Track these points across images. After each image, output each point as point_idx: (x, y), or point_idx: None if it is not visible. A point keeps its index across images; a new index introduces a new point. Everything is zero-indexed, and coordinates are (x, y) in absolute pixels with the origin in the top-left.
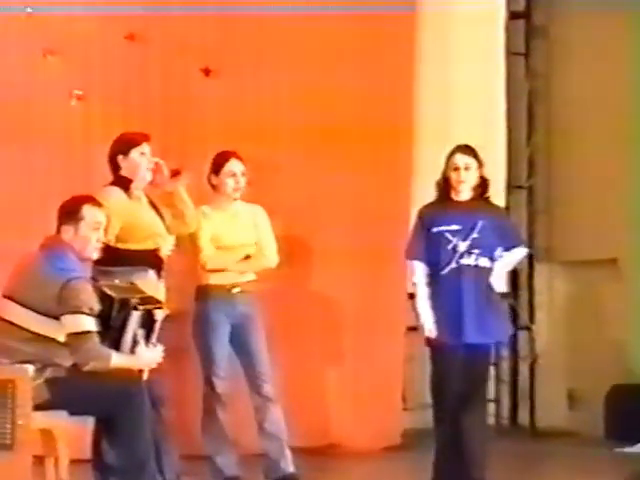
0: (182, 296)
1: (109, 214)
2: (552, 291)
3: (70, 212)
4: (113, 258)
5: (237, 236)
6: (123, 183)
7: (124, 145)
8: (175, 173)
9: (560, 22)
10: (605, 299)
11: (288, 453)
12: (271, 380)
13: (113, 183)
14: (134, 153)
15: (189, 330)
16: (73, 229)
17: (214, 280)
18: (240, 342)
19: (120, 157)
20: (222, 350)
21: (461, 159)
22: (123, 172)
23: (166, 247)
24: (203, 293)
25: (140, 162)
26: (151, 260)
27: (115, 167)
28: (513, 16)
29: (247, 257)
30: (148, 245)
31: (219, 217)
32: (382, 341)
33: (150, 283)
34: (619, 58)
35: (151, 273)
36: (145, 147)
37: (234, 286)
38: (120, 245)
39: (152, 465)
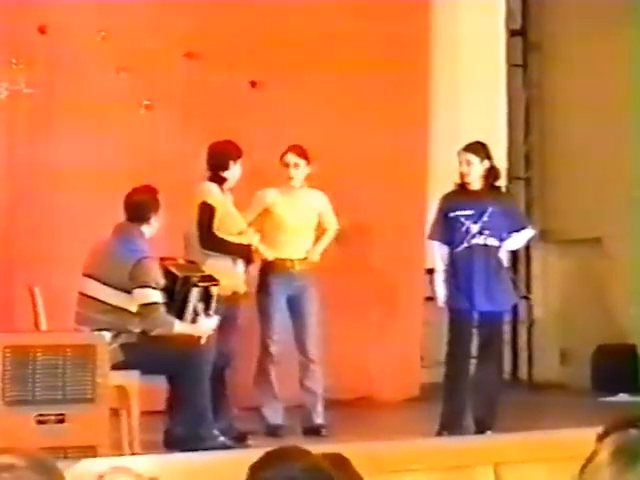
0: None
1: (213, 204)
2: (546, 266)
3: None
4: (214, 242)
5: (299, 220)
6: (220, 181)
7: (235, 153)
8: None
9: (552, 38)
10: (592, 272)
11: (320, 407)
12: (315, 344)
13: (212, 179)
14: (239, 162)
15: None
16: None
17: (275, 254)
18: (295, 310)
19: (232, 162)
20: (279, 318)
21: (463, 156)
22: (227, 174)
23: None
24: (265, 267)
25: (239, 171)
26: (245, 254)
27: (222, 168)
28: (512, 33)
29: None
30: (243, 240)
31: (283, 199)
32: (403, 309)
33: (229, 270)
34: (603, 69)
35: (239, 264)
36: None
37: (292, 261)
38: (220, 234)
39: (210, 416)
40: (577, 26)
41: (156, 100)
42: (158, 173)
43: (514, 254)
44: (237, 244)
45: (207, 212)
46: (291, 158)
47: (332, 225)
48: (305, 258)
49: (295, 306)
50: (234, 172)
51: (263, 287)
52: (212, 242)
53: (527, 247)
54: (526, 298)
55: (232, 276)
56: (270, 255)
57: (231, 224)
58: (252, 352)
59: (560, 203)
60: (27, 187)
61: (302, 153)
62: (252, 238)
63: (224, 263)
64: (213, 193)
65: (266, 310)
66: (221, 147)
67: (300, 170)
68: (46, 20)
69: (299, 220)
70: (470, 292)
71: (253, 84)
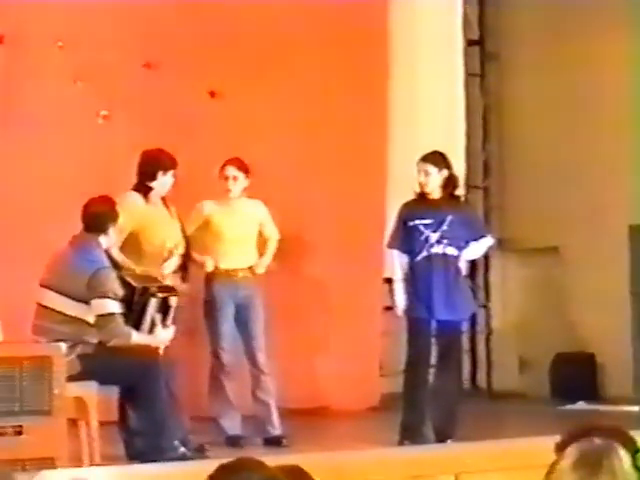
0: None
1: (125, 216)
2: (505, 275)
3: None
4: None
5: (238, 230)
6: (146, 190)
7: (166, 164)
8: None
9: (509, 48)
10: (550, 281)
11: (275, 418)
12: (264, 354)
13: (136, 188)
14: (170, 173)
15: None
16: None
17: (221, 265)
18: (241, 320)
19: (160, 173)
20: (227, 327)
21: (422, 166)
22: (154, 184)
23: (168, 266)
24: (209, 278)
25: (171, 182)
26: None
27: (150, 177)
28: (469, 43)
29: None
30: (168, 242)
31: (220, 211)
32: (362, 318)
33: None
34: (560, 78)
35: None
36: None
37: (235, 271)
38: (140, 243)
39: (169, 427)
40: (533, 35)
41: (114, 110)
42: (116, 183)
43: (473, 263)
44: (142, 278)
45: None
46: (230, 171)
47: (273, 235)
48: (250, 268)
49: (242, 316)
50: (163, 182)
51: (209, 298)
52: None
53: (486, 256)
54: (485, 307)
55: None
56: (210, 265)
57: (152, 235)
58: (204, 361)
59: (518, 212)
60: None
61: (241, 166)
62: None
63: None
64: (128, 202)
65: (213, 320)
66: (152, 156)
67: (239, 183)
68: (3, 29)
69: (238, 230)
70: (429, 301)
71: (212, 94)
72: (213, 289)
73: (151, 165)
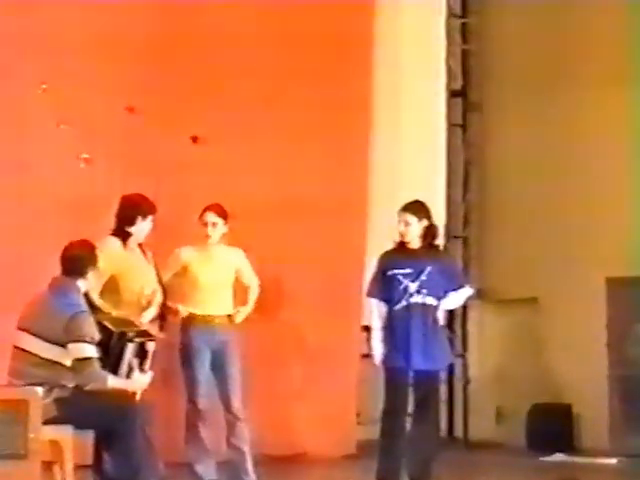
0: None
1: (104, 260)
2: (483, 325)
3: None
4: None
5: (214, 276)
6: (124, 235)
7: (145, 209)
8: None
9: (492, 99)
10: (527, 331)
11: (249, 465)
12: (239, 400)
13: (115, 233)
14: (149, 219)
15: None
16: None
17: (196, 311)
18: (217, 365)
19: (139, 218)
20: (203, 373)
21: (402, 216)
22: (132, 229)
23: (147, 315)
24: (186, 323)
25: (148, 228)
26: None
27: (129, 223)
28: (453, 94)
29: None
30: (144, 288)
31: (198, 257)
32: (339, 365)
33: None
34: (541, 130)
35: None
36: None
37: (210, 317)
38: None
39: (145, 471)
40: (516, 88)
41: (96, 153)
42: (96, 227)
43: (451, 312)
44: (118, 322)
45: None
46: (210, 217)
47: (253, 282)
48: (227, 316)
49: (218, 361)
50: (141, 228)
51: (185, 344)
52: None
53: (464, 305)
54: (462, 356)
55: None
56: (183, 312)
57: (130, 280)
58: (177, 405)
59: (497, 262)
60: None
61: (221, 212)
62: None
63: None
64: (107, 247)
65: (190, 366)
66: (131, 201)
67: (218, 229)
68: None
69: (215, 277)
70: (407, 351)
71: (194, 139)
72: (189, 335)
73: (130, 210)
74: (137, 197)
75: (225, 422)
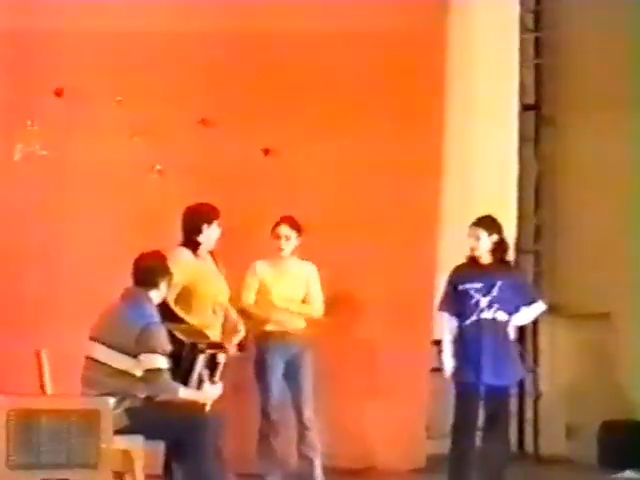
0: None
1: (178, 271)
2: (554, 340)
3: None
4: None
5: (285, 290)
6: (194, 245)
7: (209, 215)
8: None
9: (565, 113)
10: (600, 347)
11: (319, 474)
12: (311, 410)
13: (184, 244)
14: (215, 224)
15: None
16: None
17: (270, 327)
18: (290, 376)
19: (205, 226)
20: (277, 386)
21: (473, 231)
22: (201, 238)
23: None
24: (261, 337)
25: (217, 233)
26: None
27: (196, 232)
28: (525, 107)
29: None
30: (218, 297)
31: (271, 271)
32: (409, 379)
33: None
34: (615, 144)
35: (218, 319)
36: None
37: (287, 332)
38: (191, 297)
39: None
40: (589, 102)
41: (168, 166)
42: (169, 239)
43: (522, 327)
44: (197, 334)
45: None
46: (283, 230)
47: (315, 298)
48: (301, 329)
49: (291, 372)
50: (209, 235)
51: (259, 357)
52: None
53: (535, 321)
54: (533, 372)
55: None
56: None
57: (205, 288)
58: (249, 417)
59: (569, 277)
60: (38, 249)
61: (294, 225)
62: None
63: None
64: (180, 258)
65: (263, 380)
66: (193, 210)
67: (291, 242)
68: (63, 83)
69: (288, 292)
70: (478, 366)
71: (266, 152)
72: (263, 349)
73: (195, 219)
74: (199, 206)
75: (296, 431)
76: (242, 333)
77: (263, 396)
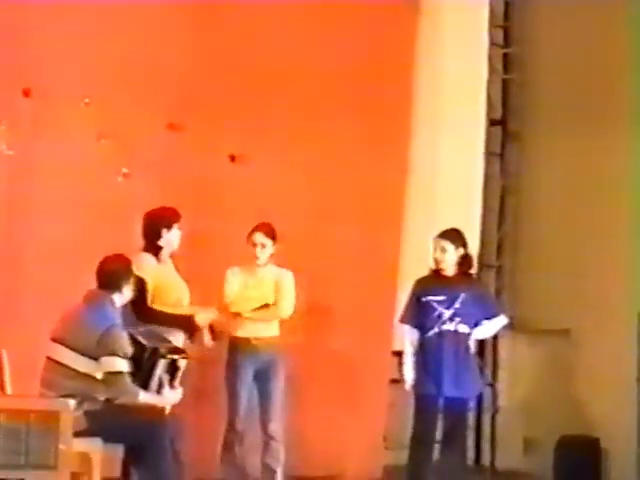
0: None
1: (144, 277)
2: (514, 354)
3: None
4: (150, 317)
5: (260, 295)
6: (156, 250)
7: (168, 219)
8: (214, 335)
9: (531, 129)
10: (558, 363)
11: None
12: (278, 422)
13: (146, 249)
14: (175, 228)
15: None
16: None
17: (241, 333)
18: (259, 387)
19: (164, 230)
20: (244, 394)
21: (438, 243)
22: (161, 242)
23: (205, 316)
24: (232, 344)
25: (177, 236)
26: (184, 325)
27: (156, 237)
28: (492, 123)
29: (264, 306)
30: (183, 310)
31: (245, 278)
32: (368, 389)
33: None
34: (579, 161)
35: (179, 336)
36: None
37: (257, 339)
38: (156, 306)
39: None
40: (555, 119)
41: (135, 169)
42: (134, 242)
43: (481, 341)
44: (174, 315)
45: (138, 285)
46: (258, 238)
47: (281, 306)
48: (271, 337)
49: (261, 381)
50: (169, 239)
51: (230, 365)
52: (147, 316)
53: (495, 335)
54: (491, 385)
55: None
56: (235, 331)
57: (167, 294)
58: (210, 422)
59: (531, 293)
60: (1, 248)
61: (269, 232)
62: (208, 313)
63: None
64: (143, 264)
65: (233, 388)
66: (152, 215)
67: (267, 249)
68: (31, 83)
69: (260, 299)
70: (439, 377)
71: (232, 158)
72: (235, 357)
73: (154, 224)
74: (158, 210)
75: (261, 441)
76: (214, 314)
77: (231, 405)
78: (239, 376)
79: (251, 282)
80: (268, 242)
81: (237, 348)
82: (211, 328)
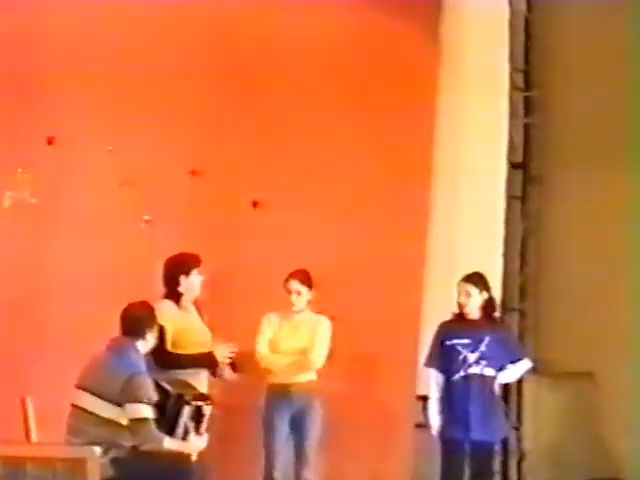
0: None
1: (164, 324)
2: (538, 398)
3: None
4: (169, 361)
5: (294, 343)
6: (176, 296)
7: (186, 266)
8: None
9: (553, 172)
10: (584, 406)
11: None
12: (311, 470)
13: (167, 296)
14: (194, 274)
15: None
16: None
17: (276, 380)
18: (293, 432)
19: (182, 277)
20: (280, 443)
21: (463, 287)
22: (180, 288)
23: (222, 351)
24: (268, 391)
25: (198, 281)
26: (204, 362)
27: (174, 283)
28: (513, 166)
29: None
30: (201, 349)
31: (281, 324)
32: (394, 436)
33: (198, 378)
34: (602, 205)
35: (203, 375)
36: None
37: (292, 385)
38: (175, 350)
39: None
40: (576, 162)
41: (157, 215)
42: (156, 289)
43: (505, 384)
44: (193, 355)
45: (157, 333)
46: (294, 285)
47: (313, 349)
48: (306, 383)
49: (296, 427)
50: (188, 285)
51: (267, 412)
52: (166, 360)
53: (519, 378)
54: (516, 429)
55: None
56: (271, 378)
57: (187, 340)
58: (238, 470)
59: (554, 336)
60: (25, 296)
61: (304, 280)
62: (227, 347)
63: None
64: (163, 311)
65: (269, 435)
66: (171, 261)
67: (303, 297)
68: (54, 131)
69: (295, 345)
70: (466, 421)
71: (255, 204)
72: (270, 405)
73: (172, 270)
74: (177, 256)
75: None
76: (233, 348)
77: (267, 453)
78: (275, 423)
79: (286, 328)
80: (303, 289)
81: (273, 394)
82: (231, 362)
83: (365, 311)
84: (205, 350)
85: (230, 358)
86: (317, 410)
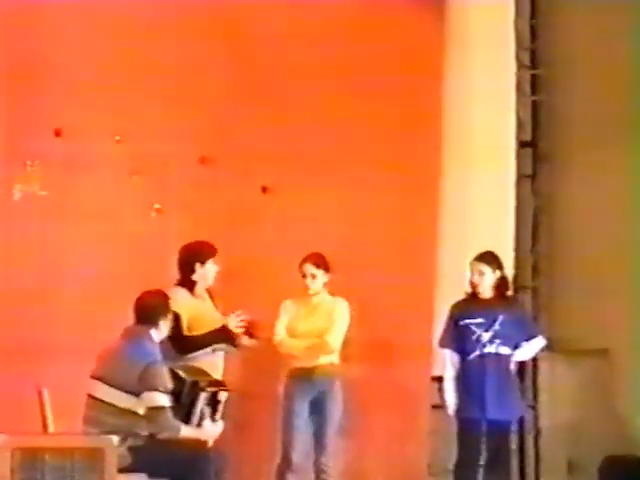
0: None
1: (179, 311)
2: (553, 376)
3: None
4: (188, 345)
5: (311, 325)
6: (190, 284)
7: (203, 254)
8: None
9: (563, 149)
10: (599, 383)
11: None
12: (328, 454)
13: (181, 283)
14: (209, 263)
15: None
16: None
17: (298, 364)
18: (314, 415)
19: (198, 265)
20: (299, 426)
21: (476, 266)
22: (195, 276)
23: (233, 322)
24: (289, 375)
25: (213, 271)
26: (221, 336)
27: (190, 271)
28: (522, 145)
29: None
30: (214, 326)
31: (298, 309)
32: (410, 416)
33: (213, 365)
34: (612, 180)
35: (218, 360)
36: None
37: (315, 368)
38: (190, 333)
39: None
40: (585, 138)
41: (167, 204)
42: (168, 277)
43: (521, 362)
44: (209, 333)
45: (173, 319)
46: (308, 269)
47: (329, 334)
48: (328, 365)
49: (317, 411)
50: (203, 273)
51: (287, 397)
52: (185, 344)
53: (534, 356)
54: (533, 408)
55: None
56: (293, 363)
57: (202, 327)
58: (253, 457)
59: (568, 313)
60: (38, 288)
61: (320, 263)
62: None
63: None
64: (177, 298)
65: (288, 418)
66: (187, 249)
67: (318, 280)
68: (62, 123)
69: (313, 327)
70: (482, 400)
71: (264, 189)
72: (290, 388)
73: (188, 258)
74: (193, 245)
75: (313, 472)
76: (243, 315)
77: (284, 435)
78: (296, 407)
79: (303, 312)
80: (318, 272)
81: (295, 378)
82: (247, 330)
83: (379, 294)
84: (217, 325)
85: (243, 327)
86: (338, 393)
